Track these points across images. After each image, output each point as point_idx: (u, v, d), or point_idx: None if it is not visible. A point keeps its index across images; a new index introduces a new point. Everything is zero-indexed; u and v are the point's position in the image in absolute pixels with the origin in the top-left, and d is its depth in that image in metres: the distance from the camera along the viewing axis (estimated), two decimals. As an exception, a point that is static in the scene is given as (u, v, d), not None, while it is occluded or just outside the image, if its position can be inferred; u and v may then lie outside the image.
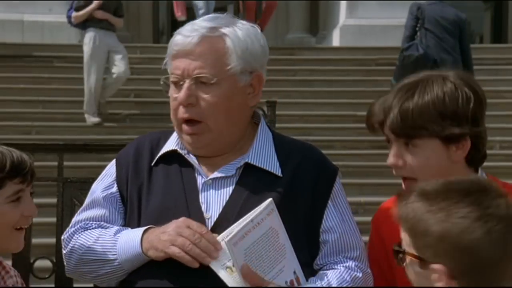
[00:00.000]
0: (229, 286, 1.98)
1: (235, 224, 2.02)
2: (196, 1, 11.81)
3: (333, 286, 2.12)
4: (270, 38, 15.44)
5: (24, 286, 2.05)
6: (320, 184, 2.21)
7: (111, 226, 2.22)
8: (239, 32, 2.18)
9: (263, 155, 2.20)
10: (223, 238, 1.98)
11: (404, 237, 1.70)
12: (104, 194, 2.26)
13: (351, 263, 2.18)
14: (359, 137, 9.67)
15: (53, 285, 3.77)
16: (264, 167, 2.18)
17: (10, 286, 1.97)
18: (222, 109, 2.14)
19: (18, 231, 1.96)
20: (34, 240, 3.77)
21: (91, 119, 9.77)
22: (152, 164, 2.22)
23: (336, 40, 13.40)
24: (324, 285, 2.11)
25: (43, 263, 3.82)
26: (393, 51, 11.90)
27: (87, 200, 2.32)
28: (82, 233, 2.24)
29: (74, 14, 10.24)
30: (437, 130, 1.99)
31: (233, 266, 1.96)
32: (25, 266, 3.74)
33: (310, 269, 2.17)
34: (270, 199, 2.08)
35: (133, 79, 10.94)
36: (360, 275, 2.18)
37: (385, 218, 2.14)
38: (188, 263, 2.03)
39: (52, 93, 10.73)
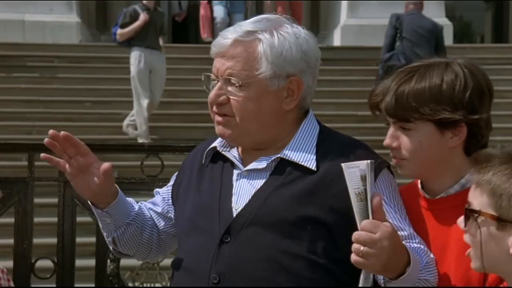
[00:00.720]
0: (355, 210, 1.89)
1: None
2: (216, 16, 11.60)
3: (422, 248, 2.06)
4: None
5: (13, 286, 2.03)
6: None
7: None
8: (276, 37, 2.22)
9: (301, 150, 2.23)
10: (356, 165, 1.90)
11: (481, 197, 1.72)
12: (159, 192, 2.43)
13: (416, 244, 2.09)
14: (360, 137, 9.60)
15: (54, 285, 3.78)
16: (299, 161, 2.21)
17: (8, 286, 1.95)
18: (250, 110, 2.21)
19: None
20: (36, 240, 3.77)
21: (142, 140, 9.46)
22: (203, 162, 2.32)
23: (337, 39, 13.41)
24: (415, 245, 2.06)
25: (45, 263, 3.82)
26: (394, 51, 11.92)
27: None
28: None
29: (119, 31, 9.97)
30: (429, 113, 2.00)
31: (363, 193, 1.88)
32: (27, 266, 3.74)
33: (349, 266, 2.05)
34: (366, 162, 1.95)
35: (134, 79, 10.96)
36: (432, 256, 2.09)
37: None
38: None
39: (53, 93, 10.74)
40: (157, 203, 2.40)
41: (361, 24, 12.98)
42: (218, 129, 2.25)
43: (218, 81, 2.23)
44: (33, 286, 3.81)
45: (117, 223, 2.28)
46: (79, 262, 3.82)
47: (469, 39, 19.78)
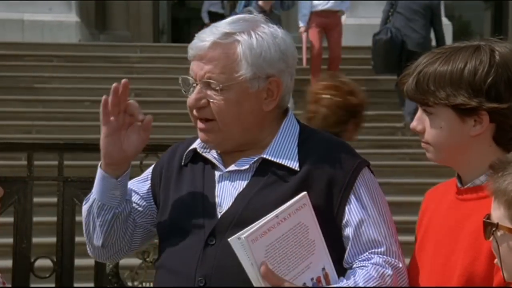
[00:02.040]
0: (251, 279, 1.96)
1: (260, 220, 1.99)
2: None
3: (359, 285, 2.08)
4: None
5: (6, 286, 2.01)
6: (339, 178, 2.17)
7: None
8: (254, 38, 2.20)
9: (283, 150, 2.21)
10: (243, 233, 1.95)
11: (498, 209, 1.64)
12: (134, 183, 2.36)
13: (378, 259, 2.13)
14: (359, 136, 9.66)
15: (53, 285, 3.78)
16: (281, 162, 2.19)
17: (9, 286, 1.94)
18: (231, 113, 2.18)
19: None
20: (35, 240, 3.77)
21: None
22: (182, 163, 2.30)
23: (336, 39, 13.38)
24: (350, 285, 2.09)
25: (44, 263, 3.82)
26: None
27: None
28: None
29: None
30: (444, 98, 1.95)
31: (252, 261, 1.95)
32: (26, 266, 3.74)
33: (339, 266, 2.14)
34: (304, 193, 2.06)
35: (133, 78, 10.93)
36: (389, 271, 2.12)
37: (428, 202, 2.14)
38: None
39: (52, 92, 10.73)
40: (138, 196, 2.33)
41: (361, 23, 12.97)
42: (201, 135, 2.23)
43: (197, 84, 2.19)
44: (32, 285, 3.81)
45: (124, 196, 2.25)
46: (78, 262, 3.82)
47: (468, 38, 19.76)
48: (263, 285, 1.96)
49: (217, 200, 2.19)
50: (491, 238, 1.67)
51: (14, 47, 11.68)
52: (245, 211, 2.13)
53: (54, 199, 3.81)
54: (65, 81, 11.02)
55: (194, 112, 2.21)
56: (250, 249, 1.94)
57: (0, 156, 7.97)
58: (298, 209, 2.04)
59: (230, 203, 2.17)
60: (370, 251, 2.15)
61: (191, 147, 2.30)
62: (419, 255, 2.09)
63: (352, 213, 2.16)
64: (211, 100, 2.17)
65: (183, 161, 2.30)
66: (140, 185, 2.35)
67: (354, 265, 2.16)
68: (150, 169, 2.38)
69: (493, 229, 1.65)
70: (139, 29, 16.36)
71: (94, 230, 2.26)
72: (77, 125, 9.82)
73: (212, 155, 2.26)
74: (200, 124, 2.21)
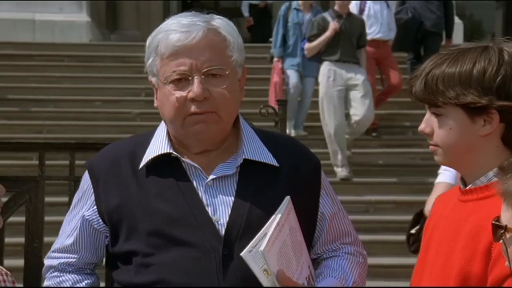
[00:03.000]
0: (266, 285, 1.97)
1: (263, 229, 1.99)
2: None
3: (348, 277, 2.19)
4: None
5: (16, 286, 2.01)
6: (311, 173, 2.22)
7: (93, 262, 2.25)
8: (227, 25, 2.17)
9: (255, 149, 2.17)
10: (255, 245, 1.95)
11: (507, 211, 1.63)
12: (82, 221, 2.20)
13: (350, 249, 2.24)
14: (369, 136, 9.65)
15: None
16: (261, 160, 2.16)
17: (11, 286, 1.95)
18: (230, 101, 2.12)
19: None
20: (46, 239, 3.77)
21: (339, 173, 8.33)
22: (138, 171, 2.14)
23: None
24: (340, 277, 2.18)
25: (55, 262, 3.82)
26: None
27: (70, 229, 2.25)
28: (56, 277, 2.27)
29: (306, 45, 8.53)
30: (453, 97, 1.94)
31: (269, 270, 1.95)
32: (37, 265, 3.75)
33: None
34: (287, 198, 2.07)
35: (143, 77, 10.90)
36: (361, 259, 2.26)
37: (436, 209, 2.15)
38: None
39: (63, 92, 10.76)
40: (77, 248, 2.23)
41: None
42: (198, 128, 2.09)
43: (191, 78, 2.09)
44: (44, 285, 3.82)
45: None
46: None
47: (479, 37, 19.73)
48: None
49: (208, 209, 2.10)
50: (500, 241, 1.66)
51: (25, 47, 11.72)
52: (249, 219, 2.09)
53: (65, 199, 3.81)
54: (76, 81, 11.04)
55: (191, 109, 2.08)
56: (267, 259, 1.93)
57: (12, 156, 8.00)
58: (288, 213, 2.06)
59: (229, 212, 2.10)
60: (340, 241, 2.24)
61: (158, 153, 2.14)
62: (423, 258, 2.09)
63: (325, 206, 2.23)
64: (214, 89, 2.09)
65: (139, 168, 2.14)
66: (87, 224, 2.19)
67: (325, 255, 2.24)
68: (87, 188, 2.19)
69: (502, 231, 1.64)
70: (149, 29, 16.25)
71: None
72: (88, 124, 9.85)
73: (187, 161, 2.14)
74: (198, 117, 2.09)
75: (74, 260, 2.25)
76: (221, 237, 2.08)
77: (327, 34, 8.26)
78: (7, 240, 3.83)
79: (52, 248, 2.31)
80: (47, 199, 3.88)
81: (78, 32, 12.74)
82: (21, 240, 3.83)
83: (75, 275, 2.25)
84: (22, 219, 3.77)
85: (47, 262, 2.31)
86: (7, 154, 7.51)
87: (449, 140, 1.99)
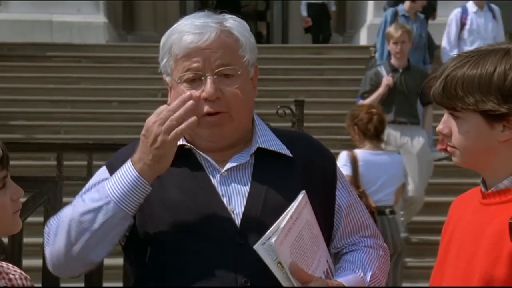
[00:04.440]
0: (280, 280, 1.99)
1: (277, 222, 2.01)
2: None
3: (367, 271, 2.18)
4: (297, 37, 15.42)
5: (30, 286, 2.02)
6: (326, 166, 2.23)
7: None
8: (239, 25, 2.20)
9: (269, 140, 2.21)
10: (268, 238, 1.97)
11: None
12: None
13: (369, 242, 2.24)
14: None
15: (82, 285, 3.80)
16: (275, 150, 2.18)
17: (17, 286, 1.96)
18: (242, 100, 2.15)
19: (16, 213, 1.96)
20: (64, 239, 3.79)
21: None
22: None
23: (363, 39, 13.35)
24: (358, 271, 2.17)
25: (73, 262, 3.84)
26: (421, 50, 11.83)
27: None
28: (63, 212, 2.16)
29: (360, 102, 7.15)
30: (473, 103, 1.91)
31: (283, 263, 1.98)
32: (55, 265, 3.76)
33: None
34: (303, 192, 2.08)
35: (160, 78, 10.92)
36: (381, 252, 2.25)
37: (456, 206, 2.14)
38: (188, 121, 2.01)
39: (81, 93, 10.81)
40: None
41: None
42: (211, 131, 2.12)
43: (204, 78, 2.12)
44: (62, 285, 3.84)
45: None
46: (107, 261, 3.82)
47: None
48: (295, 285, 1.99)
49: (224, 199, 2.12)
50: None
51: (43, 48, 11.78)
52: (264, 209, 2.11)
53: (83, 199, 3.83)
54: (93, 81, 11.09)
55: (204, 109, 2.11)
56: (279, 251, 1.95)
57: (30, 156, 8.04)
58: (304, 207, 2.08)
59: (244, 202, 2.12)
60: (359, 234, 2.24)
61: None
62: (443, 260, 2.08)
63: (342, 198, 2.23)
64: (226, 88, 2.12)
65: None
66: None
67: (345, 250, 2.24)
68: (103, 178, 2.17)
69: None
70: (166, 29, 16.25)
71: (99, 242, 2.08)
72: (105, 125, 9.88)
73: (202, 154, 2.17)
74: (210, 120, 2.12)
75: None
76: (237, 227, 2.10)
77: (380, 91, 7.04)
78: (26, 240, 3.85)
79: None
80: (65, 199, 3.89)
81: (95, 33, 12.79)
82: (40, 240, 3.84)
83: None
84: (40, 219, 3.79)
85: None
86: (26, 154, 7.55)
87: (466, 144, 1.97)
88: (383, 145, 5.94)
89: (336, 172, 2.25)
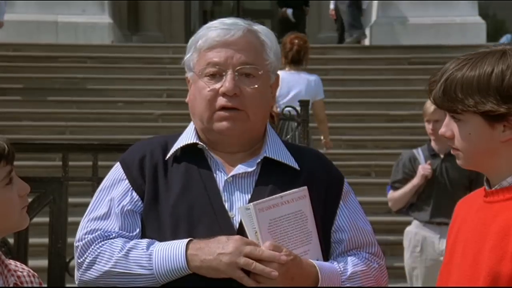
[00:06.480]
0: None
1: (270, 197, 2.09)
2: None
3: (348, 268, 2.17)
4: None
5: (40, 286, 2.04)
6: (332, 184, 2.24)
7: (132, 235, 2.16)
8: (267, 31, 2.24)
9: (277, 150, 2.22)
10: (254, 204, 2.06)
11: None
12: (121, 204, 2.19)
13: (367, 255, 2.23)
14: (391, 136, 9.63)
15: (88, 284, 3.81)
16: (282, 161, 2.20)
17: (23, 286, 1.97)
18: (259, 102, 2.18)
19: (23, 209, 1.98)
20: (70, 240, 3.80)
21: None
22: (166, 159, 2.19)
23: (368, 38, 13.36)
24: (340, 267, 2.16)
25: (78, 262, 3.84)
26: (425, 50, 11.84)
27: (101, 207, 2.24)
28: (104, 243, 2.17)
29: (389, 195, 5.38)
30: (472, 105, 1.94)
31: (257, 229, 2.05)
32: (61, 265, 3.78)
33: None
34: (304, 187, 2.13)
35: (165, 79, 10.99)
36: (376, 265, 2.22)
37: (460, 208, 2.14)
38: (249, 284, 2.04)
39: (86, 93, 10.83)
40: (127, 230, 2.16)
41: (393, 23, 12.92)
42: (224, 125, 2.14)
43: (225, 73, 2.15)
44: (67, 285, 3.85)
45: None
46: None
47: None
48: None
49: (226, 205, 2.14)
50: None
51: (48, 49, 11.80)
52: None
53: (88, 199, 3.81)
54: (99, 82, 11.10)
55: (221, 101, 2.13)
56: (256, 217, 2.03)
57: (35, 157, 8.06)
58: (300, 197, 2.12)
59: None
60: (360, 250, 2.23)
61: (185, 142, 2.19)
62: (449, 261, 2.09)
63: (344, 218, 2.23)
64: (245, 87, 2.15)
65: (169, 160, 2.19)
66: (128, 206, 2.17)
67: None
68: (118, 176, 2.21)
69: None
70: (171, 30, 16.44)
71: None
72: (110, 125, 9.90)
73: (213, 156, 2.19)
74: (224, 114, 2.15)
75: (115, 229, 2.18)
76: (235, 232, 2.11)
77: (414, 182, 5.23)
78: (31, 240, 3.86)
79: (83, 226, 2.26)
80: (71, 200, 3.91)
81: (100, 33, 12.81)
82: (45, 240, 3.86)
83: (121, 239, 2.16)
84: (46, 219, 3.80)
85: (82, 239, 2.25)
86: (31, 155, 7.57)
87: (469, 146, 1.99)
88: None
89: (340, 192, 2.24)
